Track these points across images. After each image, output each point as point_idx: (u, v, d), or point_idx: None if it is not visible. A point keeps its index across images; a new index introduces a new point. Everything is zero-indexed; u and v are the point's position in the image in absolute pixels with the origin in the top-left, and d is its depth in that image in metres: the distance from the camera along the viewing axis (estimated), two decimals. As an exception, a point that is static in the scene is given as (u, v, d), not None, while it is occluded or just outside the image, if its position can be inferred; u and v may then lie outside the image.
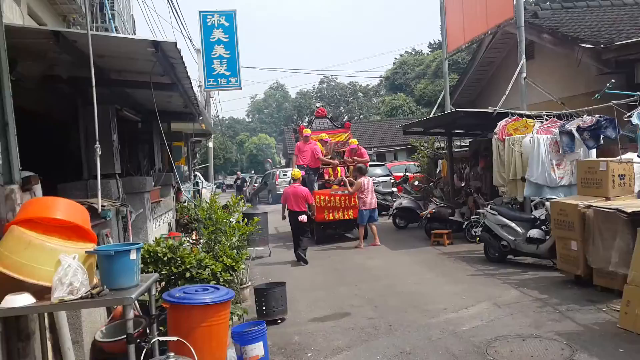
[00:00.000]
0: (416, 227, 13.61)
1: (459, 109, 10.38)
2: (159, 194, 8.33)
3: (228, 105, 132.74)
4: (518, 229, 8.40)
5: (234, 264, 5.14)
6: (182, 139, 14.82)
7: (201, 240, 6.25)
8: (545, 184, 7.84)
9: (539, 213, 9.54)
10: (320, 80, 73.30)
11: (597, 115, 6.99)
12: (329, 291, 7.93)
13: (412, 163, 21.91)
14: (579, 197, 7.03)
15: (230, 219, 6.20)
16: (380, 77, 64.86)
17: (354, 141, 12.81)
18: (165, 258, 4.73)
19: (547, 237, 8.01)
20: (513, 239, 8.38)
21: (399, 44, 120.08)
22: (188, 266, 4.72)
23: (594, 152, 7.91)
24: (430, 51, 60.57)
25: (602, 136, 6.97)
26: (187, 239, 7.16)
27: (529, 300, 6.46)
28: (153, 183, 8.51)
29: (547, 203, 7.93)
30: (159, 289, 4.85)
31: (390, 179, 18.76)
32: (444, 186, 14.53)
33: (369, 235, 11.63)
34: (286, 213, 10.40)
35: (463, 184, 12.72)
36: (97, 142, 4.55)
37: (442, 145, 16.70)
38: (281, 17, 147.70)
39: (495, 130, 9.58)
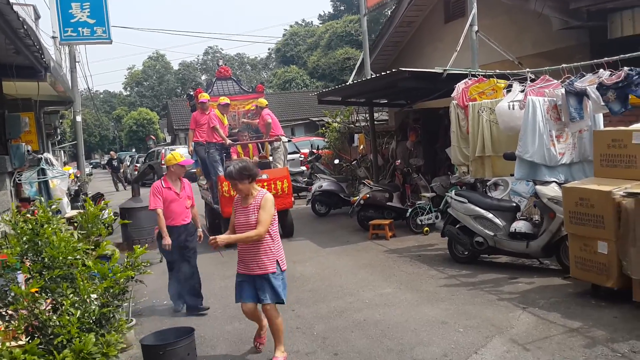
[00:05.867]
0: (340, 214, 11.44)
1: (403, 69, 8.24)
2: (-26, 191, 5.13)
3: (102, 78, 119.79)
4: (497, 220, 6.48)
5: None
6: (33, 109, 11.17)
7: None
8: (542, 163, 5.91)
9: (497, 196, 7.84)
10: (205, 52, 68.72)
11: (626, 68, 5.18)
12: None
13: (317, 138, 19.79)
14: (599, 180, 5.21)
15: (81, 253, 2.88)
16: (269, 49, 61.91)
17: (262, 102, 10.11)
18: None
19: (536, 230, 6.21)
20: (492, 234, 6.45)
21: (287, 16, 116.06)
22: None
23: (601, 120, 6.15)
24: (320, 23, 58.75)
25: (630, 96, 5.19)
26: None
27: (559, 332, 4.49)
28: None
29: (538, 187, 6.07)
30: None
31: (299, 156, 16.38)
32: (368, 164, 12.50)
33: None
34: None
35: (398, 162, 10.70)
36: None
37: (358, 118, 14.67)
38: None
39: (453, 95, 7.59)
